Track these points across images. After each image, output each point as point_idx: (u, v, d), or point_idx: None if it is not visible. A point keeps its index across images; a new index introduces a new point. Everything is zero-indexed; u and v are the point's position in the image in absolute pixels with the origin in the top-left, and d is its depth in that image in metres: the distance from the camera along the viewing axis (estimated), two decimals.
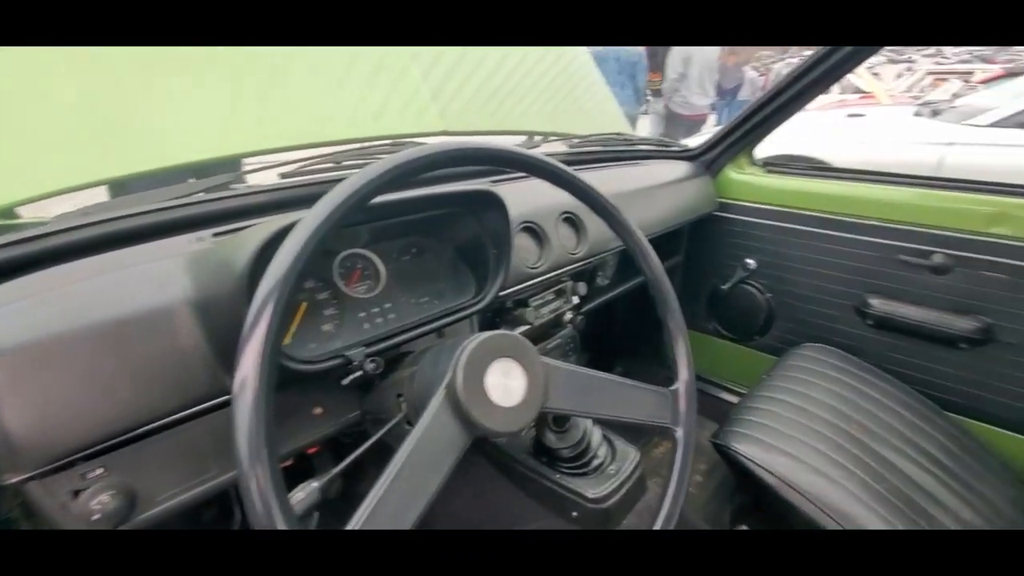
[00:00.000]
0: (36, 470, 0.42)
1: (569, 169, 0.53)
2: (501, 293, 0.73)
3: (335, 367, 0.54)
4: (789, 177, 1.31)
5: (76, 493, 0.45)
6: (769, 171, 1.32)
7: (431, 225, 0.72)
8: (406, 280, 0.70)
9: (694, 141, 1.43)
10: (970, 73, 8.46)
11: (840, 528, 0.79)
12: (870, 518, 0.80)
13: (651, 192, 1.16)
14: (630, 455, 1.01)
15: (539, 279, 0.83)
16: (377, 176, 0.40)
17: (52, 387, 0.43)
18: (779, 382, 1.09)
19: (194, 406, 0.49)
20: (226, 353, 0.49)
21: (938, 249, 1.10)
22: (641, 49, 4.04)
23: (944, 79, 7.60)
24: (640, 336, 1.56)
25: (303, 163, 0.71)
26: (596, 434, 0.97)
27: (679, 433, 0.57)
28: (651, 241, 1.18)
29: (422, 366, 0.55)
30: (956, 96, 3.59)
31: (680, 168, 1.30)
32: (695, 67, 3.98)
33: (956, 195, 1.11)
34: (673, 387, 0.59)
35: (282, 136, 0.78)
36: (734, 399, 1.46)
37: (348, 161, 0.74)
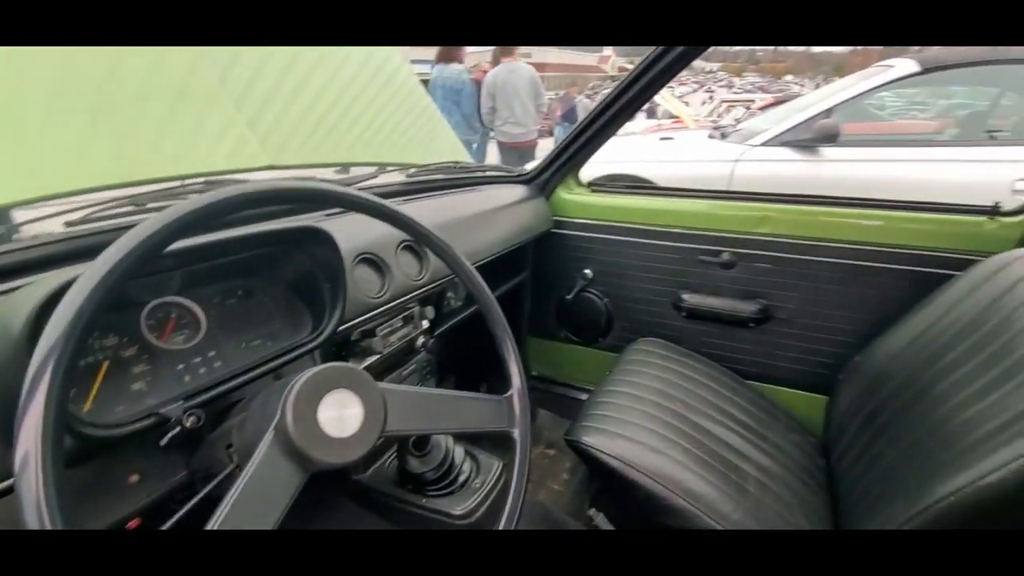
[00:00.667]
0: None
1: (385, 201, 0.56)
2: (342, 327, 0.73)
3: (149, 427, 0.50)
4: (610, 195, 1.49)
5: None
6: (594, 191, 1.50)
7: (258, 264, 0.70)
8: (233, 324, 0.67)
9: (531, 165, 1.56)
10: (752, 101, 10.33)
11: (668, 490, 0.91)
12: (694, 479, 0.94)
13: (491, 215, 1.24)
14: (494, 466, 1.05)
15: (383, 308, 0.85)
16: (164, 225, 0.39)
17: None
18: (618, 376, 1.23)
19: None
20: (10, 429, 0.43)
21: (725, 248, 1.34)
22: (466, 77, 4.17)
23: (733, 106, 9.19)
24: None
25: (96, 208, 0.65)
26: (459, 451, 1.00)
27: (516, 434, 0.62)
28: (498, 259, 1.26)
29: (251, 410, 0.53)
30: (738, 121, 4.36)
31: (517, 191, 1.41)
32: (500, 100, 4.12)
33: (734, 203, 1.36)
34: (507, 394, 0.64)
35: (70, 179, 0.70)
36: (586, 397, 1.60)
37: (153, 203, 0.69)
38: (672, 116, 7.55)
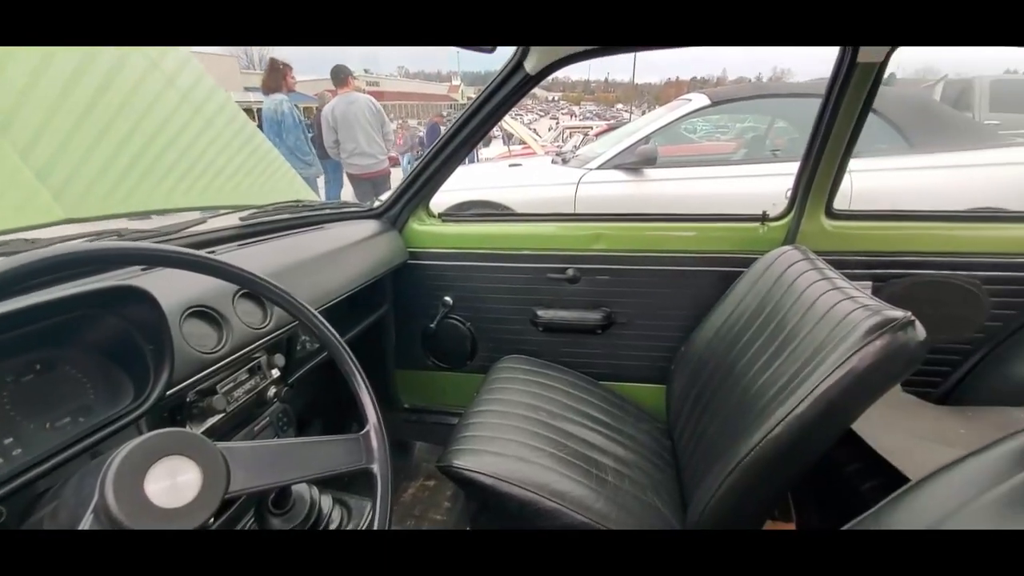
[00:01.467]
0: None
1: (199, 252, 0.54)
2: (171, 390, 0.67)
3: None
4: (462, 224, 1.56)
5: None
6: (444, 220, 1.55)
7: (61, 332, 0.62)
8: (33, 403, 0.58)
9: (385, 196, 1.57)
10: (590, 127, 11.41)
11: (538, 495, 0.97)
12: (560, 480, 1.01)
13: (341, 252, 1.22)
14: (366, 509, 1.02)
15: (222, 363, 0.79)
16: None
17: None
18: (485, 396, 1.27)
19: None
20: None
21: (569, 265, 1.47)
22: (287, 107, 3.99)
23: (574, 132, 10.09)
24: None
25: None
26: (326, 500, 0.95)
27: (375, 469, 0.63)
28: (355, 295, 1.24)
29: (64, 497, 0.47)
30: (576, 147, 4.81)
31: (369, 226, 1.41)
32: (343, 131, 4.08)
33: (573, 224, 1.50)
34: (363, 431, 0.64)
35: None
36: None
37: None
38: (522, 143, 8.06)
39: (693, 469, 1.06)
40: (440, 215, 1.56)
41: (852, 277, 1.32)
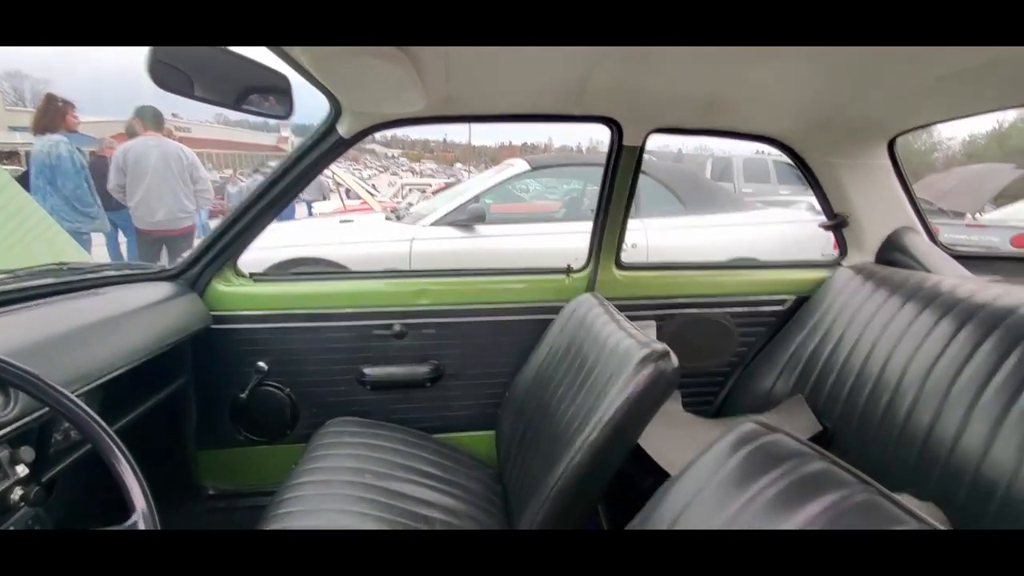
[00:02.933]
0: None
1: None
2: None
3: None
4: (277, 283, 1.47)
5: None
6: (256, 280, 1.45)
7: None
8: None
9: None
10: (429, 185, 11.76)
11: None
12: None
13: (122, 319, 1.06)
14: None
15: None
16: None
17: None
18: (305, 465, 1.18)
19: None
20: None
21: (395, 320, 1.48)
22: (63, 149, 3.38)
23: (412, 189, 10.31)
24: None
25: None
26: None
27: None
28: (141, 368, 1.07)
29: None
30: (411, 204, 4.92)
31: (161, 289, 1.25)
32: (133, 178, 3.52)
33: (397, 280, 1.52)
34: (129, 521, 0.56)
35: None
36: None
37: None
38: (359, 198, 7.95)
39: (519, 507, 1.10)
40: (251, 275, 1.46)
41: (639, 318, 1.55)
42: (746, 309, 1.64)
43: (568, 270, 1.57)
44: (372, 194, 8.09)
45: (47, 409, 0.81)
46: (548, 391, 1.20)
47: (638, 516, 0.71)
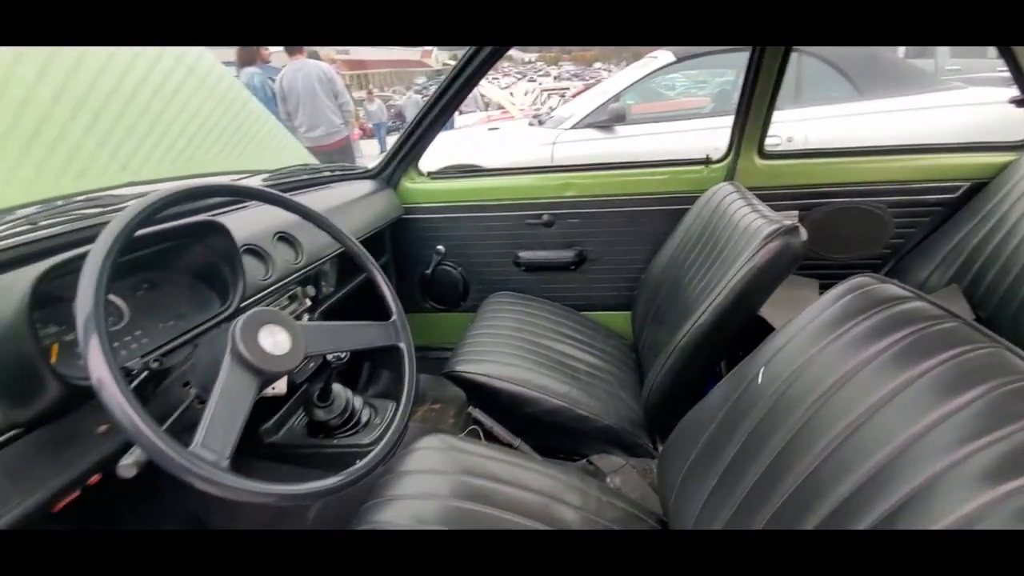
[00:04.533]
0: None
1: (292, 198, 0.77)
2: (243, 303, 0.90)
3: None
4: (448, 180, 1.77)
5: None
6: (433, 178, 1.76)
7: (161, 259, 0.84)
8: (148, 310, 0.80)
9: (373, 163, 1.77)
10: (567, 89, 11.40)
11: (521, 387, 1.22)
12: (541, 377, 1.26)
13: (345, 208, 1.42)
14: (389, 407, 1.27)
15: (271, 288, 1.01)
16: (146, 208, 0.56)
17: None
18: (478, 324, 1.51)
19: None
20: (6, 390, 0.56)
21: (544, 211, 1.70)
22: (257, 81, 3.82)
23: (552, 94, 10.12)
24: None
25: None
26: (357, 400, 1.20)
27: (402, 345, 0.86)
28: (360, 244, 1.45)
29: (198, 355, 0.70)
30: (552, 109, 4.95)
31: (366, 186, 1.61)
32: (292, 103, 3.89)
33: (545, 175, 1.72)
34: (391, 319, 0.87)
35: None
36: None
37: (45, 222, 0.78)
38: (500, 107, 8.12)
39: (648, 363, 1.32)
40: (429, 173, 1.76)
41: (780, 208, 1.57)
42: (907, 198, 1.54)
43: (707, 160, 1.61)
44: (512, 103, 8.20)
45: (319, 262, 1.19)
46: (680, 272, 1.34)
47: (742, 362, 0.85)
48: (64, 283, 0.66)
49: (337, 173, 1.59)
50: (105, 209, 0.85)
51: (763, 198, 1.28)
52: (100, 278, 0.52)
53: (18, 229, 0.76)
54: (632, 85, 3.55)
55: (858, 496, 0.54)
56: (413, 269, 1.81)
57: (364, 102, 10.64)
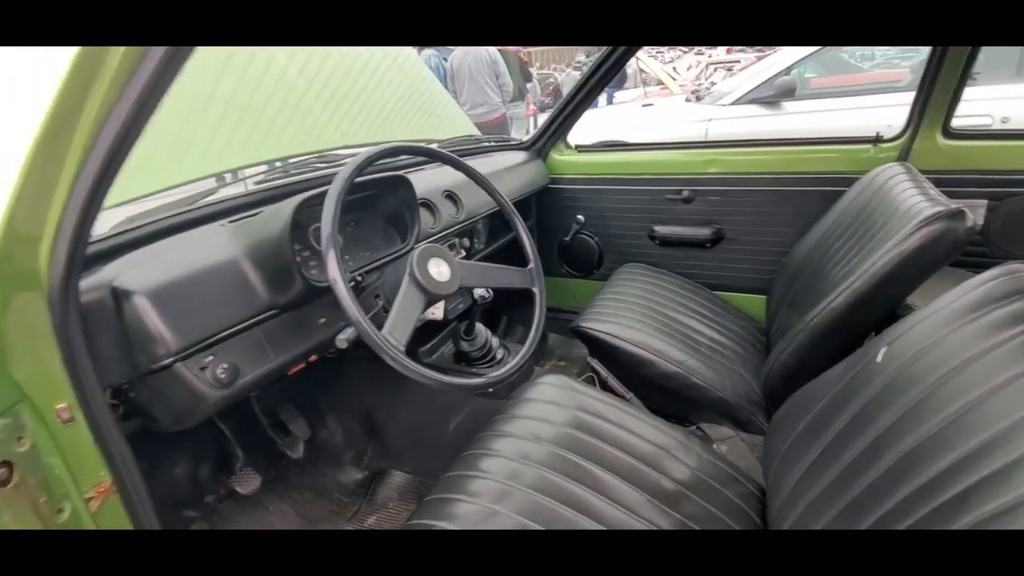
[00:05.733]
0: (177, 356, 0.74)
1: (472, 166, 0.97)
2: (417, 245, 1.13)
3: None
4: (594, 154, 1.87)
5: (203, 368, 0.76)
6: (580, 151, 1.87)
7: (363, 205, 1.10)
8: (353, 242, 1.07)
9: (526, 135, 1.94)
10: (736, 62, 10.48)
11: (640, 349, 1.31)
12: (658, 342, 1.33)
13: (501, 174, 1.62)
14: (520, 350, 1.46)
15: (436, 236, 1.24)
16: (366, 159, 0.79)
17: (179, 309, 0.74)
18: (608, 290, 1.62)
19: (253, 317, 0.83)
20: (275, 282, 0.83)
21: (685, 187, 1.72)
22: (433, 63, 4.23)
23: (719, 67, 9.41)
24: None
25: (258, 175, 1.05)
26: (494, 340, 1.41)
27: (536, 289, 1.02)
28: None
29: (386, 275, 0.94)
30: (713, 84, 4.68)
31: (519, 156, 1.79)
32: (458, 82, 4.27)
33: (689, 151, 1.74)
34: (529, 266, 1.04)
35: (233, 160, 1.10)
36: None
37: (295, 171, 1.08)
38: (660, 83, 7.83)
39: (776, 342, 1.30)
40: (576, 147, 1.89)
41: (963, 195, 1.40)
42: None
43: (876, 139, 1.48)
44: (673, 78, 7.85)
45: (475, 219, 1.40)
46: (825, 257, 1.29)
47: (866, 342, 0.84)
48: (306, 214, 0.92)
49: (495, 144, 1.79)
50: (331, 164, 1.13)
51: (942, 183, 1.17)
52: (336, 208, 0.76)
53: (280, 175, 1.06)
54: (812, 55, 3.22)
55: (954, 473, 0.56)
56: (553, 236, 1.97)
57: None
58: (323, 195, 0.87)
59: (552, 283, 2.07)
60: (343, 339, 0.82)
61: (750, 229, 1.68)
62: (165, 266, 0.75)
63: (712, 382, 1.28)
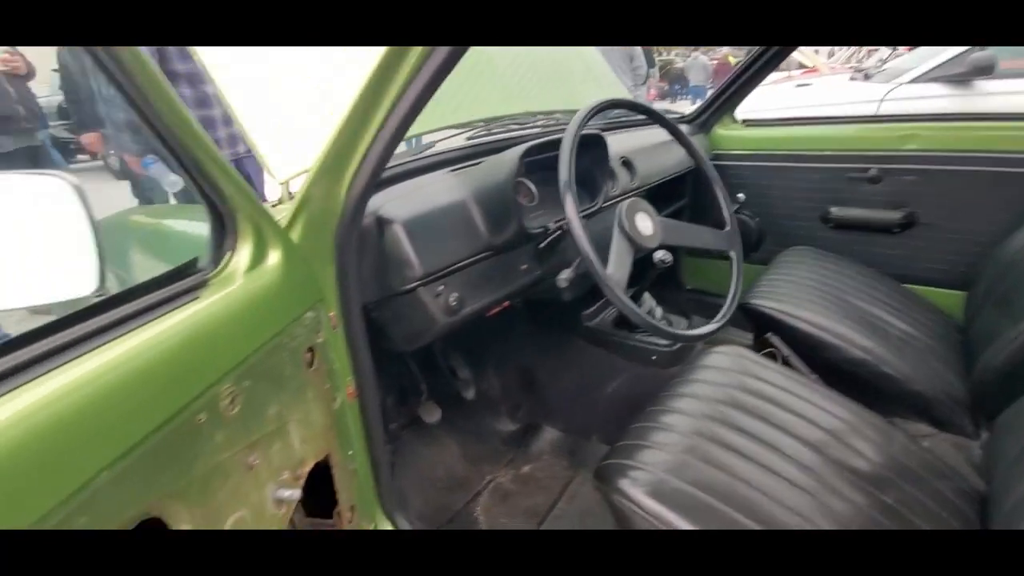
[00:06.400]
0: (421, 281, 0.83)
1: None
2: (604, 204, 1.16)
3: (538, 234, 0.96)
4: (763, 128, 1.77)
5: (437, 295, 0.86)
6: (748, 125, 1.78)
7: (555, 163, 1.14)
8: (547, 196, 1.12)
9: (689, 109, 1.89)
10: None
11: (819, 329, 1.23)
12: (839, 327, 1.24)
13: (661, 147, 1.58)
14: (682, 323, 1.44)
15: (614, 200, 1.26)
16: (591, 109, 0.83)
17: (424, 240, 0.83)
18: (774, 270, 1.53)
19: (474, 255, 0.91)
20: (495, 223, 0.91)
21: (872, 165, 1.57)
22: None
23: (875, 49, 8.39)
24: None
25: (480, 131, 1.14)
26: (659, 310, 1.40)
27: (732, 254, 1.00)
28: (663, 184, 1.62)
29: (591, 228, 0.98)
30: (883, 61, 4.18)
31: (683, 129, 1.75)
32: None
33: (881, 126, 1.58)
34: (726, 229, 1.02)
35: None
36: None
37: (512, 124, 1.21)
38: (802, 66, 7.17)
39: (983, 347, 1.14)
40: (744, 120, 1.80)
41: None
42: None
43: None
44: (815, 58, 7.14)
45: (645, 186, 1.40)
46: None
47: None
48: (522, 165, 0.98)
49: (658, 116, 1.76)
50: (523, 126, 1.21)
51: None
52: (571, 155, 0.80)
53: (485, 133, 1.14)
54: None
55: None
56: (707, 213, 1.90)
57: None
58: (540, 146, 0.92)
59: (700, 263, 2.00)
60: (563, 279, 0.88)
61: (951, 214, 1.49)
62: (414, 202, 0.85)
63: (906, 374, 1.17)
